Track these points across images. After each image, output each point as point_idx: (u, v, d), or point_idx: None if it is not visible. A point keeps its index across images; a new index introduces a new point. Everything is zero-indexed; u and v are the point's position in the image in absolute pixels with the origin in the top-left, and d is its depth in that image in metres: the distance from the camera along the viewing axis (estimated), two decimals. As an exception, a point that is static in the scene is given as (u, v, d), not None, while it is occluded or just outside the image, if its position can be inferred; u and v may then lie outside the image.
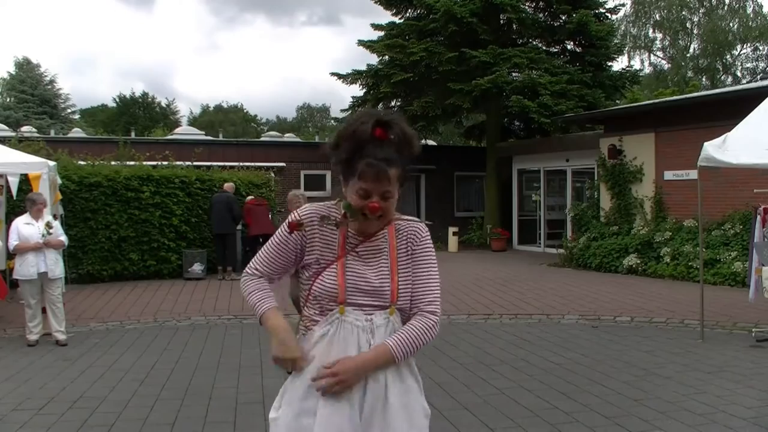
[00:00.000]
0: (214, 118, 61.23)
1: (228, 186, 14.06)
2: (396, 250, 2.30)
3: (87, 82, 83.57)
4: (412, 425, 2.24)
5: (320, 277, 2.24)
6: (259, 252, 2.39)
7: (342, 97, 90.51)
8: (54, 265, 7.96)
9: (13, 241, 7.85)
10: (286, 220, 2.35)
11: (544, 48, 21.26)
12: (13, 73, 42.67)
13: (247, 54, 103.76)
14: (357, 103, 22.48)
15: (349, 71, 22.04)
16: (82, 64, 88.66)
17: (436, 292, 2.38)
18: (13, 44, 78.33)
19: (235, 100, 79.28)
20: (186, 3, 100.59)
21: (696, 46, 40.20)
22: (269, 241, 2.37)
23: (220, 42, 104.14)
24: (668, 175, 14.67)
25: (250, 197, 14.46)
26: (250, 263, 2.40)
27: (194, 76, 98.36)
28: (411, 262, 2.33)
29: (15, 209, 11.76)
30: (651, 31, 40.36)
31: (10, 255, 8.73)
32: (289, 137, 30.06)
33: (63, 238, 8.06)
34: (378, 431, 2.19)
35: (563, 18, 20.98)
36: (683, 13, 39.47)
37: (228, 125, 57.14)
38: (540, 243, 20.04)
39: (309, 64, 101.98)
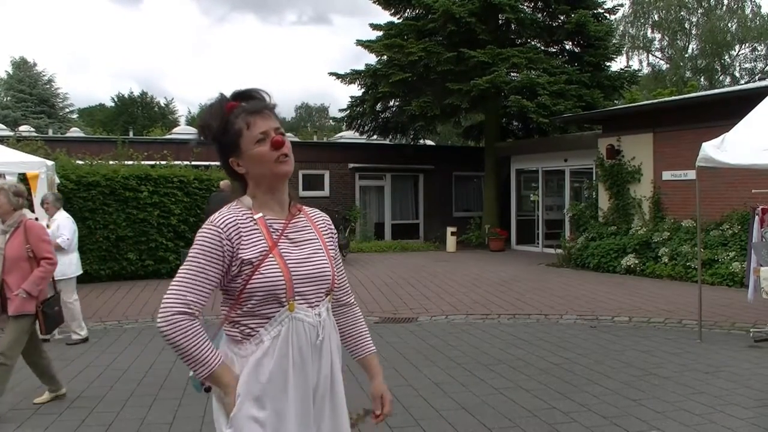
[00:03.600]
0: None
1: (224, 184, 14.05)
2: (322, 235, 2.29)
3: (80, 83, 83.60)
4: (344, 407, 2.33)
5: (258, 272, 2.07)
6: (182, 277, 2.08)
7: (335, 96, 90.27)
8: None
9: None
10: (206, 228, 2.14)
11: (542, 48, 21.27)
12: (11, 72, 42.66)
13: (238, 54, 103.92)
14: (355, 102, 22.48)
15: (347, 71, 22.05)
16: (75, 65, 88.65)
17: (347, 282, 2.48)
18: (8, 44, 78.37)
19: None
20: (175, 1, 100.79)
21: (694, 46, 40.30)
22: (191, 257, 2.10)
23: (211, 42, 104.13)
24: (666, 175, 14.68)
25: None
26: (174, 295, 2.06)
27: (186, 76, 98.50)
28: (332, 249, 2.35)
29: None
30: (649, 31, 40.45)
31: None
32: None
33: (59, 239, 7.79)
34: (329, 411, 2.24)
35: (562, 18, 20.99)
36: (682, 13, 39.52)
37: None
38: (538, 243, 20.05)
39: (301, 64, 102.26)
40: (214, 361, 2.07)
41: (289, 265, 2.13)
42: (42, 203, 8.35)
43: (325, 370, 2.21)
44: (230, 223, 2.12)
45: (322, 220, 2.37)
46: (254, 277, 2.08)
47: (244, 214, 2.16)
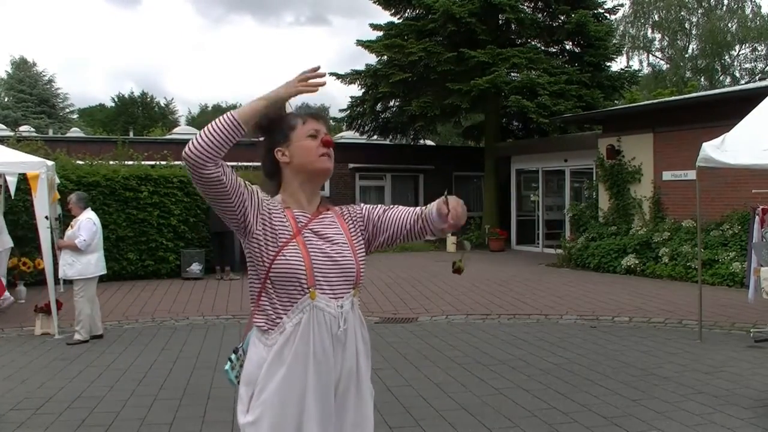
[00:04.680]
0: (213, 117, 60.60)
1: None
2: (348, 229, 2.37)
3: (79, 83, 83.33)
4: (368, 404, 2.35)
5: (281, 255, 2.20)
6: None
7: (334, 96, 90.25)
8: (66, 266, 8.03)
9: None
10: None
11: (542, 48, 21.26)
12: (11, 72, 42.66)
13: (235, 55, 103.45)
14: (356, 102, 22.48)
15: (348, 71, 22.05)
16: (72, 65, 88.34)
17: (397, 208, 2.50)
18: (8, 45, 78.42)
19: (226, 101, 79.10)
20: (172, 3, 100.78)
21: (694, 46, 40.26)
22: None
23: (208, 43, 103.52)
24: (667, 175, 14.68)
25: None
26: None
27: (185, 77, 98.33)
28: (365, 229, 2.42)
29: (13, 209, 11.79)
30: (650, 31, 40.40)
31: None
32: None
33: (77, 240, 7.89)
34: (353, 406, 2.28)
35: (562, 18, 20.98)
36: (682, 13, 39.48)
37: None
38: (538, 243, 20.04)
39: (300, 65, 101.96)
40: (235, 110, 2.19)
41: (311, 254, 2.22)
42: (68, 203, 8.44)
43: (348, 363, 2.25)
44: (266, 197, 2.32)
45: (350, 214, 2.44)
46: (277, 259, 2.20)
47: (275, 202, 2.33)
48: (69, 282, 9.00)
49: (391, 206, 2.47)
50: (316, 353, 2.18)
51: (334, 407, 2.22)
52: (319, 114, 2.39)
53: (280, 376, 2.17)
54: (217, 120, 2.14)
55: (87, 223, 8.04)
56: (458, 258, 2.38)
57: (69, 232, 8.13)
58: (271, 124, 2.33)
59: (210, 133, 2.11)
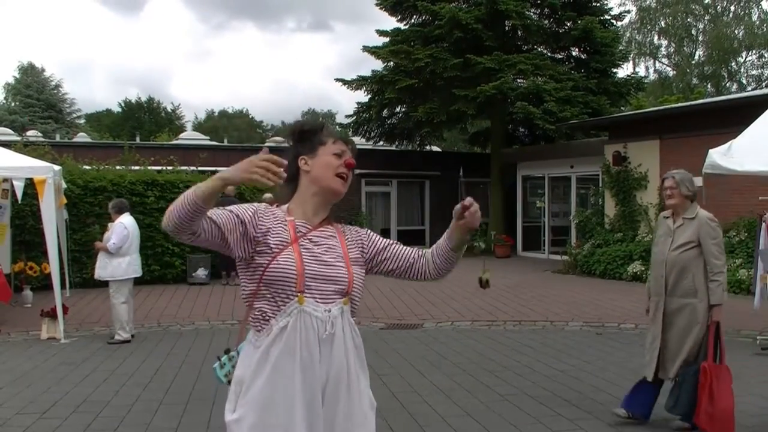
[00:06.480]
0: (219, 123, 61.28)
1: (230, 190, 14.07)
2: (346, 245, 2.45)
3: (84, 88, 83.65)
4: (365, 414, 2.36)
5: (275, 261, 2.26)
6: None
7: (336, 102, 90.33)
8: (100, 268, 8.38)
9: None
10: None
11: (549, 54, 21.29)
12: (18, 77, 42.85)
13: (238, 61, 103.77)
14: (362, 108, 22.52)
15: (353, 77, 22.13)
16: (78, 71, 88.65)
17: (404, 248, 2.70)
18: (16, 51, 78.85)
19: (232, 106, 78.89)
20: (173, 10, 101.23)
21: (701, 53, 40.14)
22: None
23: (211, 49, 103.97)
24: (673, 182, 14.62)
25: (267, 195, 14.38)
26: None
27: (188, 82, 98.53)
28: (366, 253, 2.52)
29: (20, 213, 11.84)
30: (656, 38, 40.29)
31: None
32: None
33: (108, 243, 8.21)
34: (342, 414, 2.28)
35: (568, 25, 21.00)
36: (688, 20, 39.40)
37: (233, 131, 57.20)
38: (544, 249, 20.01)
39: (300, 71, 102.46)
40: (195, 187, 2.15)
41: (304, 259, 2.29)
42: None
43: (335, 369, 2.27)
44: (264, 210, 2.39)
45: (350, 232, 2.53)
46: (272, 264, 2.26)
47: (278, 214, 2.40)
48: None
49: (394, 242, 2.63)
50: (302, 355, 2.22)
51: (322, 411, 2.24)
52: (349, 140, 2.54)
53: (266, 374, 2.23)
54: (182, 197, 2.16)
55: (118, 227, 8.39)
56: (482, 271, 2.71)
57: (105, 235, 8.47)
58: (304, 133, 2.47)
59: (177, 209, 2.15)
